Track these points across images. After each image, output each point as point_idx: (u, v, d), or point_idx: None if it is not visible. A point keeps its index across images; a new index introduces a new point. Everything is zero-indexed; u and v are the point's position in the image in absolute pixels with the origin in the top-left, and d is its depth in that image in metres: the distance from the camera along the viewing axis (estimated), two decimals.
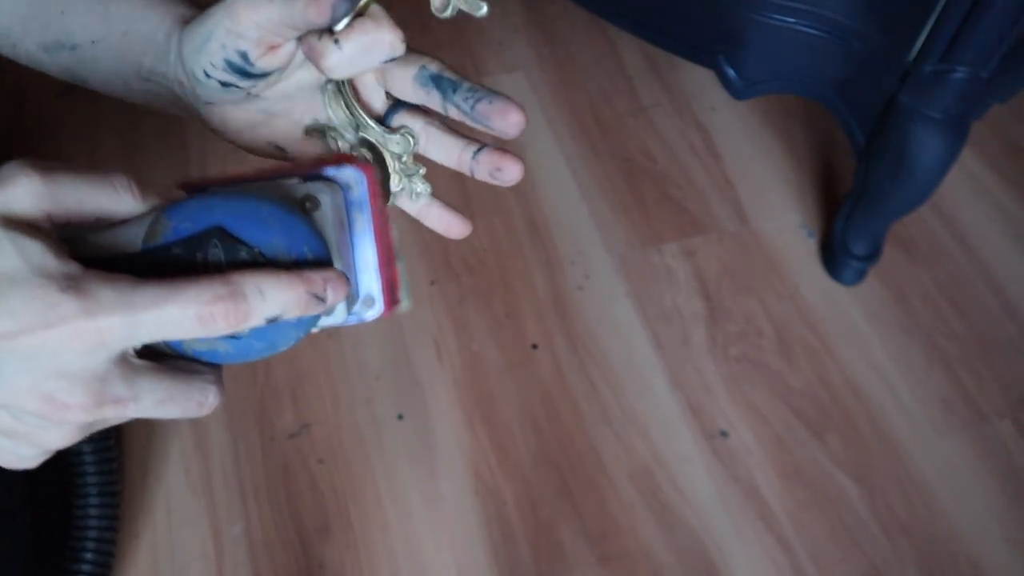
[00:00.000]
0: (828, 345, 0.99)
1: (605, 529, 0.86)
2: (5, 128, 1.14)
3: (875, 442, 0.93)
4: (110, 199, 0.31)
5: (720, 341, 0.99)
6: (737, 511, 0.88)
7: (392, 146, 0.40)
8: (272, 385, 0.93)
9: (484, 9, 0.37)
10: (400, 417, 0.92)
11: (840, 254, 1.02)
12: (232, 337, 0.30)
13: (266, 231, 0.31)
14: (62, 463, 0.86)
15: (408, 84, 0.39)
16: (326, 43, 0.34)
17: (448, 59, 0.41)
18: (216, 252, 0.30)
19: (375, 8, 0.35)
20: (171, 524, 0.84)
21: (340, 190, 0.38)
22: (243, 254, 0.30)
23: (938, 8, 0.77)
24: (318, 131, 0.39)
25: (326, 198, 0.36)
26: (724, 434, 0.92)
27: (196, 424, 0.90)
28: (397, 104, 0.41)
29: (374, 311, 0.39)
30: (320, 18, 0.33)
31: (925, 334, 1.01)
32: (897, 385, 0.97)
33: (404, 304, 0.42)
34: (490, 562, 0.84)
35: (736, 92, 1.03)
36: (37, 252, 0.26)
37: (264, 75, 0.36)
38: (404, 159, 0.41)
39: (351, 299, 0.37)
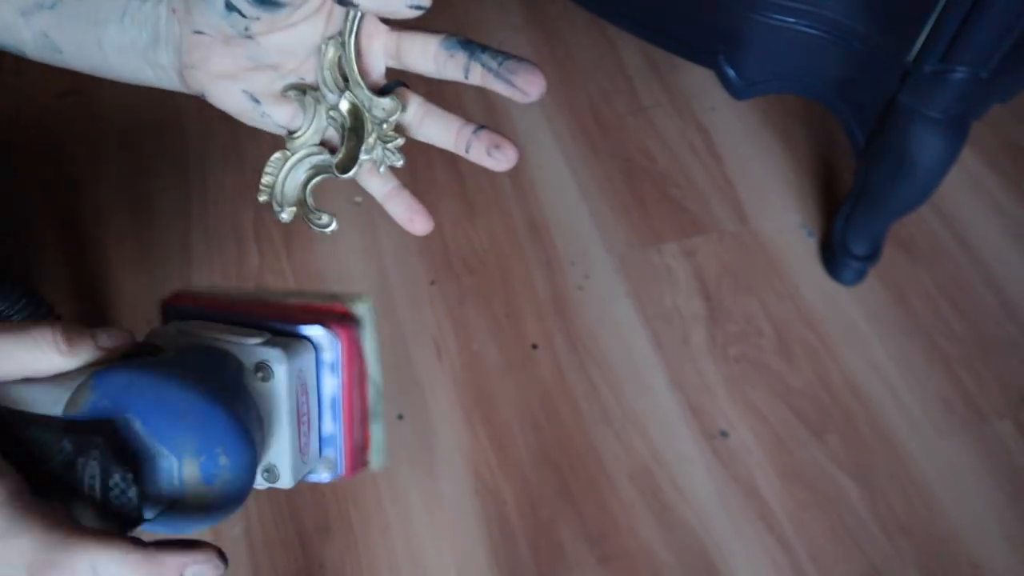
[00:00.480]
0: (828, 345, 0.99)
1: (605, 529, 0.86)
2: (5, 128, 1.14)
3: (875, 442, 0.93)
4: (34, 356, 0.28)
5: (720, 341, 0.99)
6: (737, 511, 0.88)
7: (377, 110, 0.38)
8: None
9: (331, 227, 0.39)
10: (400, 417, 0.92)
11: (840, 254, 1.02)
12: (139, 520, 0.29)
13: (176, 427, 0.29)
14: None
15: (431, 50, 0.38)
16: None
17: None
18: (92, 468, 0.28)
19: None
20: None
21: (312, 350, 0.37)
22: (115, 478, 0.28)
23: (938, 8, 0.77)
24: (298, 91, 0.38)
25: (282, 369, 0.35)
26: (724, 434, 0.92)
27: None
28: (394, 83, 0.39)
29: (332, 474, 0.39)
30: None
31: (925, 334, 1.01)
32: (897, 385, 0.97)
33: (375, 464, 0.41)
34: (490, 562, 0.84)
35: (736, 92, 1.03)
36: None
37: (280, 5, 0.33)
38: (385, 126, 0.39)
39: (305, 466, 0.37)
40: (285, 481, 0.35)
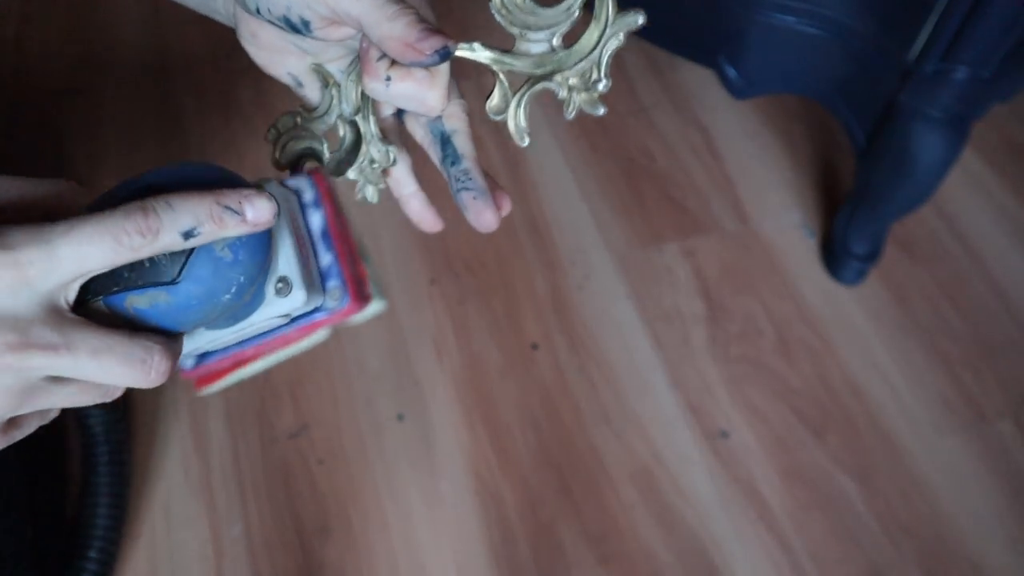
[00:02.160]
0: (828, 345, 0.99)
1: (605, 529, 0.86)
2: (5, 128, 1.14)
3: (875, 442, 0.93)
4: (57, 195, 0.31)
5: (720, 341, 0.99)
6: (737, 511, 0.88)
7: (374, 147, 0.39)
8: (272, 385, 0.93)
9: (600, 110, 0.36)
10: (400, 417, 0.92)
11: (840, 254, 1.02)
12: (169, 284, 0.30)
13: (190, 182, 0.31)
14: (61, 469, 0.86)
15: (421, 124, 0.39)
16: (379, 68, 0.33)
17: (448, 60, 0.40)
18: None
19: (444, 65, 0.34)
20: (170, 525, 0.84)
21: (294, 195, 0.39)
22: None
23: (939, 7, 0.77)
24: (323, 76, 0.38)
25: (275, 189, 0.36)
26: (724, 434, 0.92)
27: (196, 424, 0.90)
28: (391, 145, 0.40)
29: (341, 303, 0.40)
30: (404, 57, 0.31)
31: (925, 334, 1.01)
32: (897, 385, 0.97)
33: (376, 302, 0.42)
34: (490, 562, 0.83)
35: (736, 92, 1.03)
36: None
37: (314, 38, 0.35)
38: (374, 165, 0.40)
39: (314, 286, 0.38)
40: (298, 294, 0.36)
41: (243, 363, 0.37)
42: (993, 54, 0.77)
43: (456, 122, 0.39)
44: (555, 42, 0.35)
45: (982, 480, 0.91)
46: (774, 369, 0.97)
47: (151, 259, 0.30)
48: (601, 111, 0.34)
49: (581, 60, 0.35)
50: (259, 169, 1.00)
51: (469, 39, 0.37)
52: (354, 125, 0.39)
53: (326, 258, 0.42)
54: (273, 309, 0.36)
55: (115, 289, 0.29)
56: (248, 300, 0.35)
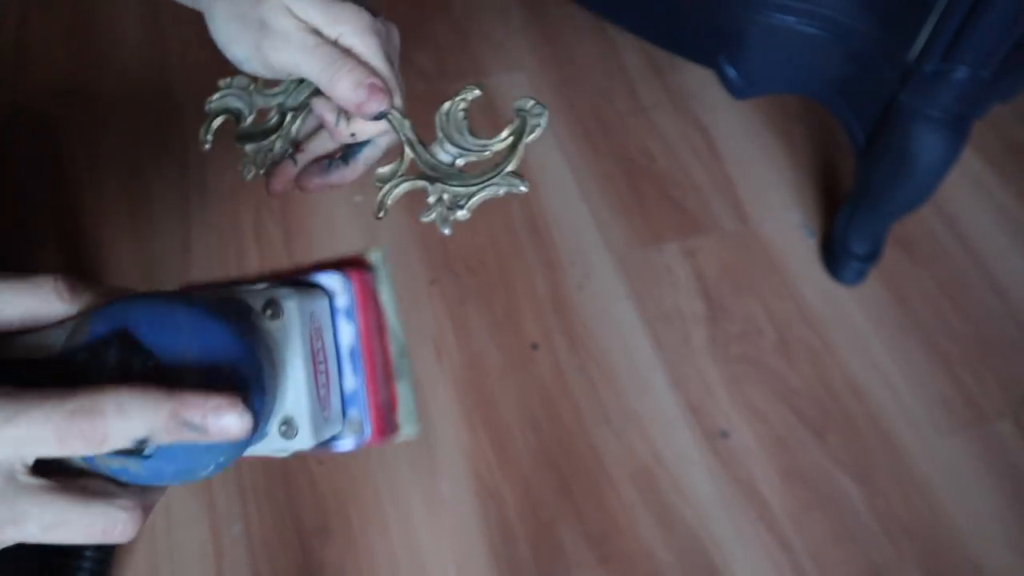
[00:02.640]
0: (828, 345, 0.99)
1: (605, 529, 0.86)
2: (4, 128, 1.14)
3: (875, 442, 0.93)
4: (35, 303, 0.28)
5: (720, 341, 0.99)
6: (737, 511, 0.88)
7: (279, 143, 0.43)
8: None
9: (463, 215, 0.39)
10: None
11: (840, 254, 1.02)
12: (143, 456, 0.27)
13: (175, 337, 0.28)
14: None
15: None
16: (343, 131, 0.39)
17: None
18: (111, 357, 0.27)
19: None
20: (170, 525, 0.84)
21: (325, 296, 0.35)
22: (136, 363, 0.27)
23: (939, 7, 0.77)
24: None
25: (292, 304, 0.32)
26: (724, 434, 0.92)
27: None
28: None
29: (360, 437, 0.36)
30: (350, 110, 0.36)
31: (925, 334, 1.01)
32: (897, 385, 0.97)
33: (407, 431, 0.38)
34: (490, 562, 0.83)
35: (736, 92, 1.03)
36: None
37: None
38: (270, 154, 0.43)
39: (328, 422, 0.34)
40: (304, 438, 0.32)
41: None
42: (993, 54, 0.77)
43: (381, 137, 0.42)
44: (459, 162, 0.39)
45: (982, 480, 0.91)
46: (774, 369, 0.97)
47: None
48: (447, 232, 0.38)
49: (463, 187, 0.38)
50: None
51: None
52: (283, 116, 0.42)
53: (352, 381, 0.36)
54: (276, 446, 0.33)
55: None
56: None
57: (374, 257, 0.38)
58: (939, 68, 0.80)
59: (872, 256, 1.02)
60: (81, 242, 1.04)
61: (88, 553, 0.78)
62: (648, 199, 1.11)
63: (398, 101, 0.39)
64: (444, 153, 0.39)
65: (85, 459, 0.27)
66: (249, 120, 0.43)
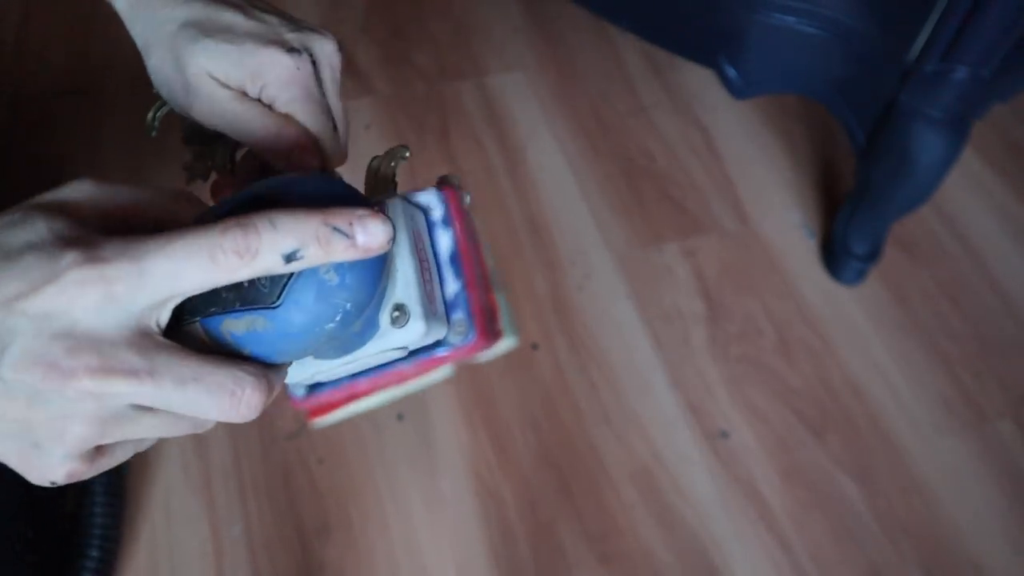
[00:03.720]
0: (828, 345, 0.99)
1: (605, 529, 0.86)
2: (5, 128, 1.14)
3: (875, 442, 0.93)
4: (170, 205, 0.29)
5: (720, 341, 0.99)
6: (737, 511, 0.88)
7: (221, 150, 0.43)
8: None
9: None
10: (400, 417, 0.92)
11: (840, 254, 1.02)
12: (267, 308, 0.27)
13: (304, 193, 0.28)
14: None
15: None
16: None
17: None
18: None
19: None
20: (170, 524, 0.84)
21: (421, 212, 0.36)
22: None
23: (939, 7, 0.77)
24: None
25: (396, 202, 0.33)
26: (724, 434, 0.92)
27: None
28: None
29: (467, 338, 0.36)
30: (291, 168, 0.36)
31: (925, 334, 1.01)
32: (897, 385, 0.97)
33: (508, 339, 0.38)
34: (490, 562, 0.83)
35: (736, 92, 1.03)
36: (64, 225, 0.25)
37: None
38: (208, 164, 0.43)
39: (436, 316, 0.34)
40: (416, 326, 0.32)
41: (357, 396, 0.34)
42: (993, 54, 0.77)
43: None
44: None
45: (982, 480, 0.91)
46: (774, 369, 0.97)
47: (250, 280, 0.27)
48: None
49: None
50: None
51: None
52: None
53: (453, 286, 0.36)
54: (388, 340, 0.33)
55: (212, 311, 0.27)
56: (359, 329, 0.31)
57: (456, 179, 0.39)
58: (939, 68, 0.80)
59: (872, 256, 1.02)
60: None
61: (92, 554, 0.78)
62: (648, 199, 1.11)
63: (335, 154, 0.37)
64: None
65: (206, 324, 0.28)
66: (179, 112, 0.41)
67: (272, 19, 0.37)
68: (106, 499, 0.80)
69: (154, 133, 0.41)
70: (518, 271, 1.03)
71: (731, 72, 1.01)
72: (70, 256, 0.24)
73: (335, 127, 0.37)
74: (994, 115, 0.93)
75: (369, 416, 0.91)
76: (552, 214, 1.09)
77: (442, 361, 0.37)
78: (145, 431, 0.27)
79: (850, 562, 0.85)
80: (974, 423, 0.94)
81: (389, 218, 0.28)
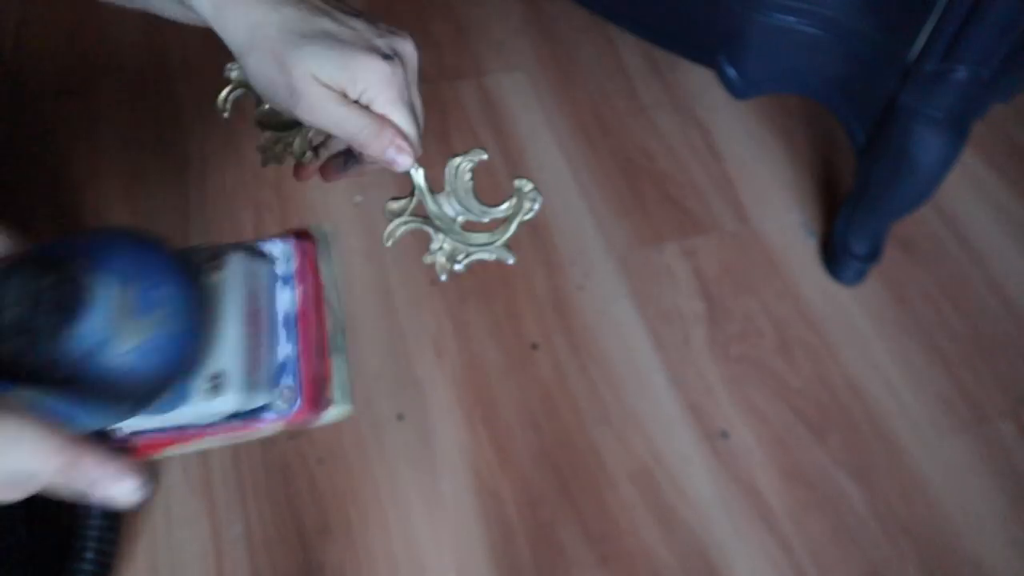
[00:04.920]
0: (828, 345, 0.99)
1: (605, 529, 0.86)
2: (5, 128, 1.14)
3: (875, 442, 0.93)
4: None
5: (720, 341, 0.99)
6: (737, 511, 0.88)
7: (298, 141, 0.44)
8: None
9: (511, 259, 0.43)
10: (400, 417, 0.92)
11: (840, 254, 1.02)
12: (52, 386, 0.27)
13: (114, 257, 0.27)
14: None
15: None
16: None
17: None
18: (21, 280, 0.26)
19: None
20: (170, 524, 0.84)
21: (267, 263, 0.36)
22: (46, 282, 0.26)
23: (939, 7, 0.77)
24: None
25: (234, 259, 0.33)
26: (724, 434, 0.92)
27: None
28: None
29: (292, 405, 0.35)
30: (388, 167, 0.40)
31: (925, 334, 1.01)
32: (897, 385, 0.97)
33: (338, 408, 0.37)
34: (490, 562, 0.83)
35: (736, 92, 1.03)
36: None
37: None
38: (288, 149, 0.44)
39: (259, 384, 0.33)
40: (231, 396, 0.32)
41: (185, 441, 0.33)
42: (993, 54, 0.77)
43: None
44: (460, 219, 0.43)
45: (982, 480, 0.91)
46: (774, 369, 0.97)
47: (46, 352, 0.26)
48: (443, 279, 0.43)
49: (461, 243, 0.43)
50: (259, 168, 1.00)
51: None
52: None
53: (286, 348, 0.36)
54: (202, 408, 0.32)
55: (3, 378, 0.27)
56: (165, 399, 0.30)
57: (320, 232, 0.40)
58: (939, 68, 0.80)
59: (872, 256, 1.02)
60: None
61: (88, 555, 0.78)
62: (648, 199, 1.11)
63: (418, 151, 0.41)
64: (449, 207, 0.42)
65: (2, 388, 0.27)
66: (268, 105, 0.42)
67: (358, 24, 0.39)
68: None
69: (226, 115, 0.42)
70: (518, 271, 1.03)
71: (731, 72, 1.01)
72: None
73: (418, 124, 0.41)
74: (994, 115, 0.93)
75: (369, 416, 0.91)
76: (552, 214, 1.09)
77: (268, 424, 0.36)
78: None
79: (850, 562, 0.85)
80: (974, 423, 0.94)
81: (146, 481, 0.25)
